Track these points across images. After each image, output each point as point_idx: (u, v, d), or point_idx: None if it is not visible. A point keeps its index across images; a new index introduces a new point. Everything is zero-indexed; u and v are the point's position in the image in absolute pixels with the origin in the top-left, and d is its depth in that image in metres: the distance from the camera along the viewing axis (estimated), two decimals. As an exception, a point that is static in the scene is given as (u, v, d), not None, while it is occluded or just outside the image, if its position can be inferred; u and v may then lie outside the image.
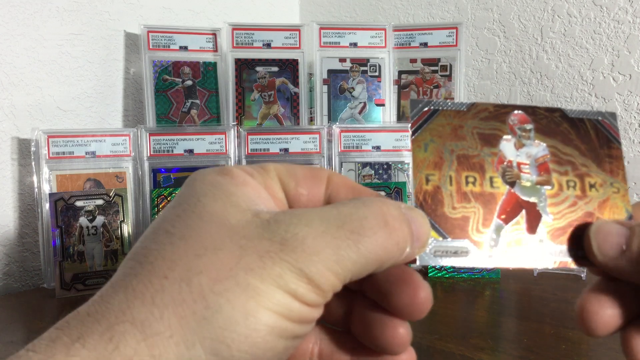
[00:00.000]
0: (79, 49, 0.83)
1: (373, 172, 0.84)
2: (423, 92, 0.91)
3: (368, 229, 0.21)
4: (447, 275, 0.74)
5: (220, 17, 1.01)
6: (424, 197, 0.25)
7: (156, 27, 0.86)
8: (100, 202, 0.71)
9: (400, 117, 0.92)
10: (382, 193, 0.77)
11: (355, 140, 0.83)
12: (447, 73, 0.90)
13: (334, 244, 0.20)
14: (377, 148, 0.84)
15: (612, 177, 0.27)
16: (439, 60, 0.90)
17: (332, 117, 0.90)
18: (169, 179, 0.80)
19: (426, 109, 0.27)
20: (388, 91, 0.91)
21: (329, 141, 0.83)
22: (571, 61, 0.87)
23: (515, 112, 0.28)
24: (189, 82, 0.87)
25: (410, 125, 0.26)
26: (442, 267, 0.74)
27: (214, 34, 0.88)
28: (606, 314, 0.23)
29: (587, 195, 0.26)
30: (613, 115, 0.28)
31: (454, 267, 0.74)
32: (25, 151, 0.77)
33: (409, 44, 0.91)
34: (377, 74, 0.90)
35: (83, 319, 0.19)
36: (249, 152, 0.81)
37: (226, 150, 0.81)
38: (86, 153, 0.76)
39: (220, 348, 0.18)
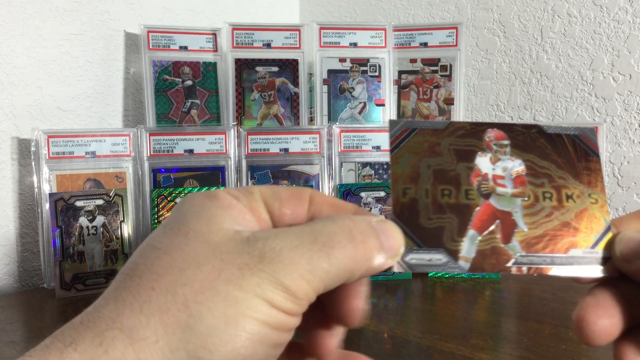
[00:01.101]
0: (79, 49, 0.83)
1: (373, 172, 0.84)
2: (423, 92, 0.91)
3: (337, 242, 0.22)
4: (447, 275, 0.74)
5: (220, 17, 1.01)
6: (400, 209, 0.27)
7: (156, 27, 0.86)
8: (100, 202, 0.72)
9: (401, 117, 0.92)
10: (382, 193, 0.77)
11: (355, 140, 0.83)
12: (447, 73, 0.90)
13: (308, 256, 0.22)
14: (377, 148, 0.84)
15: (591, 188, 0.28)
16: (439, 60, 0.90)
17: (332, 117, 0.90)
18: (169, 179, 0.80)
19: (404, 128, 0.28)
20: (388, 91, 0.91)
21: (329, 141, 0.83)
22: (571, 61, 0.87)
23: (492, 129, 0.29)
24: (189, 82, 0.87)
25: (389, 143, 0.28)
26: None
27: (214, 34, 0.88)
28: (604, 324, 0.25)
29: (564, 206, 0.27)
30: (592, 130, 0.29)
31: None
32: (25, 151, 0.77)
33: (409, 44, 0.91)
34: (377, 74, 0.90)
35: (76, 327, 0.20)
36: (249, 152, 0.81)
37: (226, 150, 0.81)
38: (86, 153, 0.76)
39: (202, 353, 0.20)
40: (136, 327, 0.20)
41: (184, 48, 0.87)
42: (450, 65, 0.89)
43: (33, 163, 0.74)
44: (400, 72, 0.91)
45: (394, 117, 0.91)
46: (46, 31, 0.79)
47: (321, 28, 0.89)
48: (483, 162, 0.28)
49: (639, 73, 0.82)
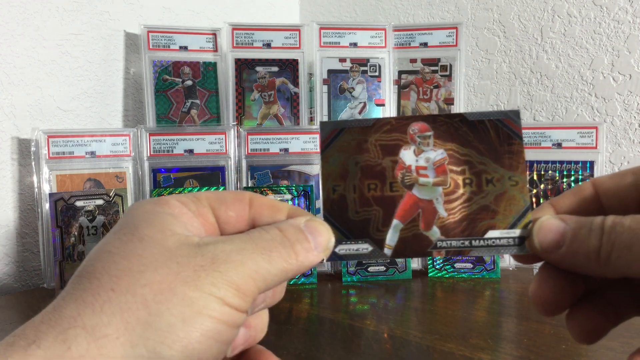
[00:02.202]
0: (79, 49, 0.83)
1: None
2: (423, 92, 0.91)
3: (274, 247, 0.25)
4: (447, 275, 0.74)
5: (220, 17, 1.01)
6: (330, 206, 0.29)
7: (156, 27, 0.86)
8: (100, 202, 0.72)
9: (400, 117, 0.92)
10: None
11: (355, 140, 0.83)
12: (447, 73, 0.90)
13: (253, 257, 0.24)
14: (377, 148, 0.83)
15: (511, 171, 0.29)
16: (439, 60, 0.90)
17: (332, 117, 0.90)
18: (169, 179, 0.80)
19: (334, 128, 0.30)
20: (388, 91, 0.91)
21: (329, 141, 0.83)
22: (571, 61, 0.87)
23: (416, 122, 0.30)
24: (189, 82, 0.87)
25: (319, 144, 0.30)
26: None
27: (214, 34, 0.88)
28: (556, 297, 0.27)
29: (483, 190, 0.29)
30: (516, 113, 0.30)
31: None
32: (25, 151, 0.77)
33: (409, 44, 0.91)
34: (377, 74, 0.90)
35: (38, 326, 0.21)
36: (249, 152, 0.81)
37: (226, 150, 0.81)
38: (86, 153, 0.76)
39: (161, 348, 0.21)
40: (98, 326, 0.21)
41: (184, 48, 0.87)
42: (450, 65, 0.89)
43: (33, 163, 0.74)
44: (400, 72, 0.91)
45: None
46: (46, 31, 0.79)
47: (321, 28, 0.89)
48: (407, 155, 0.30)
49: (639, 73, 0.82)
